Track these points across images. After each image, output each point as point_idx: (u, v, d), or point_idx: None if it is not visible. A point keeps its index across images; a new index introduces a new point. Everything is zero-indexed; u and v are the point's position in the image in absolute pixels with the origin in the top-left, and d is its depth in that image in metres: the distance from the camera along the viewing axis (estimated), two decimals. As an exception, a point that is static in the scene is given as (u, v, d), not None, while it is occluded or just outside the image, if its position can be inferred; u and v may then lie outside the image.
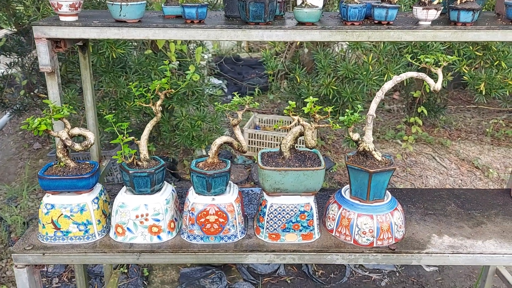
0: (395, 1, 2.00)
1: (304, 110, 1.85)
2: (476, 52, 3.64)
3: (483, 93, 3.68)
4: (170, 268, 3.34)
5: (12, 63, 4.23)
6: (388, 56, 3.80)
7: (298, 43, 4.75)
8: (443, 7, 2.01)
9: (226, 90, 5.22)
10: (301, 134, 1.90)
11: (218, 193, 1.90)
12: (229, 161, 1.95)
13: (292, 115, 1.84)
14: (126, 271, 3.27)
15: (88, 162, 1.98)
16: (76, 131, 1.89)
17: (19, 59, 4.24)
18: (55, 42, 2.04)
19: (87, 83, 2.43)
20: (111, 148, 4.25)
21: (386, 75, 3.68)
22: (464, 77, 3.74)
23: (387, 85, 1.88)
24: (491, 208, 2.17)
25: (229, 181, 1.96)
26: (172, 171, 4.30)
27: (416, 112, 4.36)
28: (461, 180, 4.24)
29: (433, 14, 1.97)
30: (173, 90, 1.90)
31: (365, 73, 3.65)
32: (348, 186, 2.00)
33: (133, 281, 3.17)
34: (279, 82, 5.15)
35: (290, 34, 1.97)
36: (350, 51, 4.26)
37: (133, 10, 1.96)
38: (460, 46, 3.62)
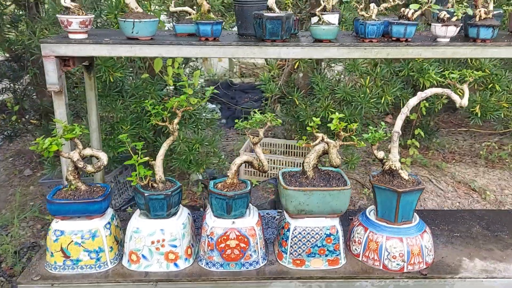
0: (413, 18, 1.94)
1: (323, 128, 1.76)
2: (472, 74, 3.63)
3: (479, 116, 3.66)
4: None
5: (4, 89, 4.08)
6: (384, 79, 3.77)
7: (295, 67, 4.70)
8: (462, 24, 1.96)
9: (220, 114, 5.12)
10: (324, 152, 1.81)
11: (239, 216, 1.77)
12: (249, 182, 1.84)
13: (316, 132, 1.75)
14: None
15: (99, 185, 1.84)
16: (88, 151, 1.76)
17: (11, 84, 4.09)
18: (63, 61, 1.92)
19: (92, 103, 2.30)
20: (106, 173, 4.07)
21: (383, 98, 3.64)
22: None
23: (412, 101, 1.81)
24: (518, 229, 2.09)
25: (249, 204, 1.84)
26: (168, 197, 4.12)
27: (413, 135, 4.31)
28: (459, 202, 4.18)
29: (453, 30, 1.91)
30: (191, 108, 1.78)
31: (362, 95, 3.60)
32: (372, 207, 1.89)
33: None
34: (273, 105, 5.07)
35: (308, 51, 1.89)
36: (346, 74, 4.22)
37: (146, 27, 1.86)
38: (454, 69, 3.63)
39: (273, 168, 4.34)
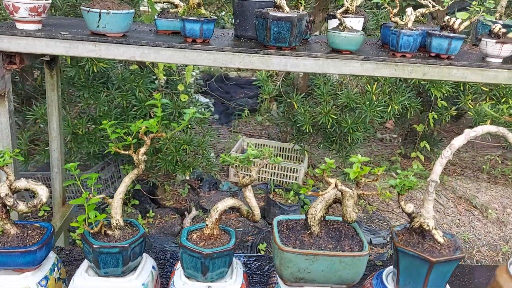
0: (459, 30, 1.41)
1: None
2: (483, 87, 3.14)
3: (489, 131, 3.16)
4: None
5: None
6: (392, 86, 3.25)
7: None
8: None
9: (213, 109, 4.58)
10: (336, 201, 1.29)
11: (217, 279, 1.25)
12: (234, 233, 1.31)
13: (328, 177, 1.22)
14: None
15: (37, 225, 1.30)
16: (22, 184, 1.22)
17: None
18: (7, 57, 1.38)
19: (53, 107, 1.76)
20: (86, 168, 3.54)
21: (390, 106, 3.13)
22: (469, 112, 3.24)
23: (457, 142, 1.28)
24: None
25: (233, 259, 1.32)
26: (151, 197, 3.62)
27: (417, 147, 3.81)
28: (459, 219, 3.71)
29: (509, 50, 1.39)
30: (164, 134, 1.25)
31: (368, 103, 3.09)
32: (390, 269, 1.38)
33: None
34: (269, 104, 4.54)
35: (322, 65, 1.36)
36: (352, 78, 3.70)
37: (116, 21, 1.31)
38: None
39: (265, 172, 3.81)
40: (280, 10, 1.35)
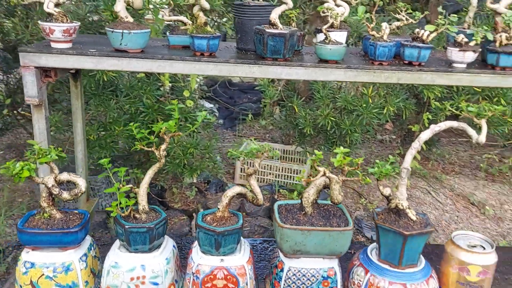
0: (428, 40, 1.73)
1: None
2: (475, 88, 3.45)
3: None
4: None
5: (-4, 81, 3.84)
6: (388, 89, 3.57)
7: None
8: (480, 49, 1.76)
9: (217, 114, 4.91)
10: (325, 186, 1.61)
11: (228, 253, 1.58)
12: (241, 215, 1.64)
13: (317, 165, 1.55)
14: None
15: (76, 211, 1.64)
16: (64, 176, 1.55)
17: (4, 76, 3.87)
18: (44, 71, 1.71)
19: (78, 114, 2.10)
20: (97, 173, 3.87)
21: (385, 108, 3.44)
22: (462, 112, 3.54)
23: (424, 136, 1.60)
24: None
25: (241, 238, 1.65)
26: (160, 199, 3.94)
27: (414, 146, 4.12)
28: (457, 216, 4.00)
29: (471, 56, 1.71)
30: (181, 134, 1.58)
31: (364, 105, 3.41)
32: (374, 245, 1.70)
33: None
34: (272, 108, 4.86)
35: (311, 73, 1.69)
36: (349, 82, 4.02)
37: (136, 39, 1.65)
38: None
39: (269, 174, 4.13)
40: (275, 27, 1.67)
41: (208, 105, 4.89)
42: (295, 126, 3.73)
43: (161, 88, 3.58)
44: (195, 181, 4.13)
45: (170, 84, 3.83)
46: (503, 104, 3.52)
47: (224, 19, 5.09)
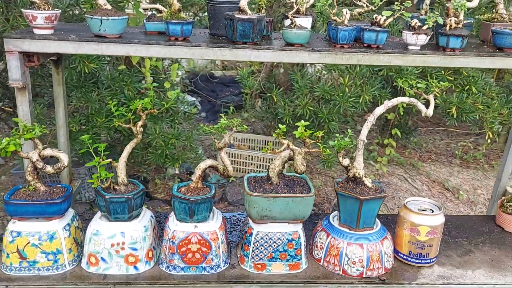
0: (384, 25, 1.91)
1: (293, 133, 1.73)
2: (448, 77, 3.64)
3: (455, 117, 3.67)
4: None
5: (-23, 76, 3.94)
6: (363, 78, 3.75)
7: (274, 63, 4.66)
8: (432, 32, 1.94)
9: (199, 107, 5.07)
10: (290, 158, 1.78)
11: (201, 220, 1.74)
12: (213, 186, 1.81)
13: (282, 138, 1.72)
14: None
15: (59, 186, 1.79)
16: (48, 152, 1.71)
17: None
18: (27, 56, 1.86)
19: (60, 99, 2.24)
20: (80, 165, 4.01)
21: (361, 97, 3.62)
22: (435, 100, 3.74)
23: (379, 110, 1.78)
24: (478, 235, 2.09)
25: (213, 207, 1.81)
26: (143, 190, 4.07)
27: (390, 134, 4.31)
28: (432, 201, 4.20)
29: (423, 39, 1.89)
30: (156, 110, 1.75)
31: (341, 94, 3.58)
32: (336, 212, 1.88)
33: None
34: (253, 100, 5.03)
35: (278, 55, 1.86)
36: (325, 72, 4.20)
37: (114, 25, 1.81)
38: (433, 70, 3.62)
39: (251, 164, 4.31)
40: (244, 13, 1.84)
41: (190, 98, 5.05)
42: (275, 116, 3.90)
43: (143, 81, 3.71)
44: (177, 172, 4.29)
45: (152, 77, 3.97)
46: (473, 91, 3.72)
47: (206, 13, 5.25)
